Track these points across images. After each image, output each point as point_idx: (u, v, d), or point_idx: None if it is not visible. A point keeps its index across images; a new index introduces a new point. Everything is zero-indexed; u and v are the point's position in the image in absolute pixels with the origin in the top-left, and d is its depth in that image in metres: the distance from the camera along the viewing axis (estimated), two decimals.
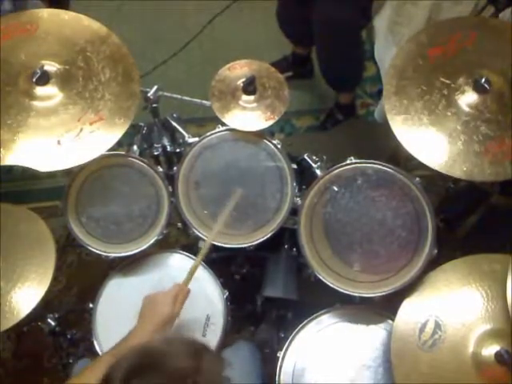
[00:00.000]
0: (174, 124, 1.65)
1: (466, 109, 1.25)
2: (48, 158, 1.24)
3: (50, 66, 1.30)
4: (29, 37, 1.34)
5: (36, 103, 1.28)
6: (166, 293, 1.21)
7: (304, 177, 1.52)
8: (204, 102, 1.55)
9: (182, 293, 1.22)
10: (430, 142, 1.24)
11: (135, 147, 1.56)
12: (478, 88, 1.24)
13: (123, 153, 1.48)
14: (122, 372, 0.81)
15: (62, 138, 1.25)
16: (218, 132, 1.45)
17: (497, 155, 1.20)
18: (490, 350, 1.14)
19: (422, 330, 1.22)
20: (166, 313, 1.17)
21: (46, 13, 1.38)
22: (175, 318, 1.19)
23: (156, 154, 1.63)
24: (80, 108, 1.28)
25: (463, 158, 1.22)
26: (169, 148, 1.64)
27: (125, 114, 1.29)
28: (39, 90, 1.28)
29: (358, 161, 1.36)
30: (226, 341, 1.43)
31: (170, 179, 1.46)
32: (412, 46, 1.34)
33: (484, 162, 1.21)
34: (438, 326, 1.22)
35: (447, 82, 1.27)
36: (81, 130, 1.26)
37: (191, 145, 1.46)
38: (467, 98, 1.26)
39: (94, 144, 1.26)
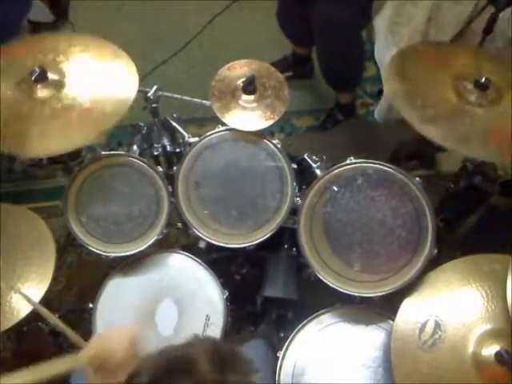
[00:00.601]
0: (174, 124, 1.65)
1: (469, 104, 1.28)
2: (38, 145, 1.26)
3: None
4: None
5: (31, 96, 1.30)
6: (122, 332, 1.01)
7: (304, 177, 1.52)
8: (204, 101, 1.56)
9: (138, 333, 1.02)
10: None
11: (135, 147, 1.56)
12: (479, 86, 1.25)
13: (123, 153, 1.48)
14: (146, 377, 0.77)
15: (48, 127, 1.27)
16: (218, 132, 1.45)
17: (489, 140, 1.23)
18: (490, 350, 1.14)
19: (422, 329, 1.22)
20: (120, 356, 0.95)
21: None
22: (131, 363, 0.91)
23: (156, 153, 1.63)
24: (68, 101, 1.31)
25: (452, 125, 1.25)
26: (169, 148, 1.64)
27: (117, 107, 1.30)
28: (36, 86, 1.30)
29: (357, 161, 1.36)
30: (243, 337, 1.42)
31: (170, 179, 1.46)
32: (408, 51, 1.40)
33: (471, 139, 1.24)
34: (437, 325, 1.22)
35: (448, 79, 1.30)
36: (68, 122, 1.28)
37: (191, 145, 1.46)
38: (470, 95, 1.28)
39: (79, 134, 1.28)
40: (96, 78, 1.35)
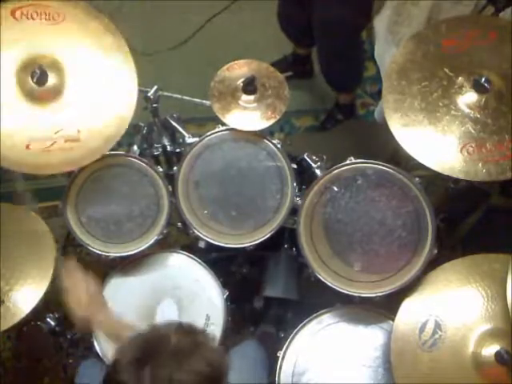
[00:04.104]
0: (174, 124, 1.65)
1: (459, 104, 1.25)
2: (14, 157, 1.24)
3: (51, 68, 1.30)
4: (51, 26, 1.31)
5: (28, 100, 1.28)
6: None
7: (304, 177, 1.52)
8: (204, 101, 1.55)
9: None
10: (413, 126, 1.25)
11: (135, 147, 1.56)
12: (477, 87, 1.24)
13: (123, 153, 1.48)
14: (130, 357, 0.86)
15: (32, 143, 1.25)
16: (218, 132, 1.45)
17: (472, 155, 1.21)
18: (490, 350, 1.14)
19: (422, 329, 1.23)
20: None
21: (80, 8, 1.34)
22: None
23: (156, 153, 1.63)
24: (63, 121, 1.28)
25: (439, 148, 1.22)
26: (169, 148, 1.64)
27: (103, 144, 1.28)
28: (35, 89, 1.28)
29: (357, 161, 1.36)
30: (234, 340, 1.43)
31: (170, 179, 1.46)
32: (429, 32, 1.35)
33: (458, 159, 1.21)
34: (437, 325, 1.22)
35: (450, 74, 1.28)
36: (54, 142, 1.26)
37: (191, 145, 1.46)
38: (464, 95, 1.26)
39: (57, 160, 1.26)
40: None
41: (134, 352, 0.87)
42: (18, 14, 1.29)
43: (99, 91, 1.31)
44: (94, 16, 1.36)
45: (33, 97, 1.28)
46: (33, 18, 1.30)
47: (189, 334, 0.91)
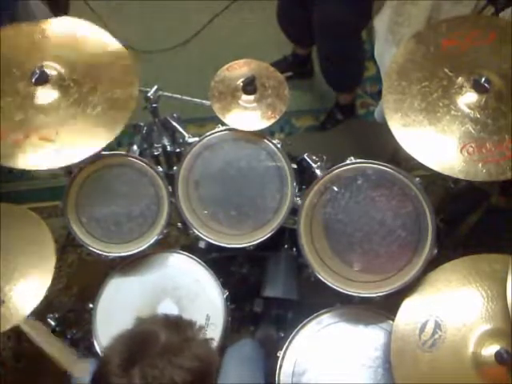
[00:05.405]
0: (174, 124, 1.65)
1: (459, 104, 1.25)
2: None
3: (52, 70, 1.31)
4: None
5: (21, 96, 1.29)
6: None
7: (304, 177, 1.52)
8: (204, 101, 1.56)
9: None
10: (413, 126, 1.25)
11: (135, 147, 1.56)
12: (477, 87, 1.24)
13: (123, 153, 1.48)
14: (116, 360, 0.84)
15: (5, 131, 1.24)
16: (218, 132, 1.45)
17: (472, 155, 1.21)
18: (490, 350, 1.14)
19: (422, 329, 1.22)
20: None
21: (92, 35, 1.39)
22: None
23: (156, 153, 1.63)
24: (44, 120, 1.27)
25: (439, 148, 1.23)
26: (169, 148, 1.64)
27: (74, 154, 1.26)
28: (31, 88, 1.29)
29: (358, 161, 1.36)
30: (233, 339, 1.43)
31: (170, 179, 1.46)
32: (429, 32, 1.35)
33: (458, 159, 1.21)
34: (437, 326, 1.22)
35: (450, 74, 1.28)
36: (26, 136, 1.25)
37: (191, 145, 1.46)
38: (464, 95, 1.26)
39: (26, 158, 1.24)
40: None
41: (122, 352, 0.86)
42: None
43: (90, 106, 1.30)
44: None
45: (26, 91, 1.29)
46: None
47: (177, 329, 0.90)
